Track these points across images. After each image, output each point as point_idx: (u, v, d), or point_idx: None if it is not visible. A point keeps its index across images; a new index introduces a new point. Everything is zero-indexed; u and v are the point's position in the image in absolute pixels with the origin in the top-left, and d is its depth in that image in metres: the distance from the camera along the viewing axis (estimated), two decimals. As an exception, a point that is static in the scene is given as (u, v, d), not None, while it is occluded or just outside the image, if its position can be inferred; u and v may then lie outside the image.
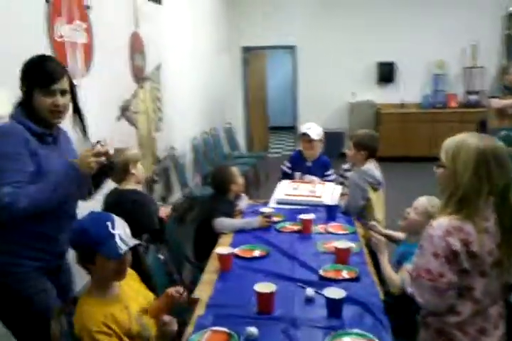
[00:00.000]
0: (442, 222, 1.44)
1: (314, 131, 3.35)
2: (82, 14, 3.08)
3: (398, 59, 7.76)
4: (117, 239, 1.49)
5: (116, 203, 2.40)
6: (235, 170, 2.96)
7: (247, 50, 8.18)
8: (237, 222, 2.73)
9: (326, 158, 3.53)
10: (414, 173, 6.21)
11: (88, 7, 3.17)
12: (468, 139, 1.47)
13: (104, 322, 1.46)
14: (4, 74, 2.28)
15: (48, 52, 2.69)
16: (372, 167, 2.88)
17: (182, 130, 5.08)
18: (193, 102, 5.56)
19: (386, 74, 7.86)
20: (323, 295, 1.79)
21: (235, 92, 8.21)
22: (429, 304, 1.50)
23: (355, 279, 2.03)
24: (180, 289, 1.63)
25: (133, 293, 1.62)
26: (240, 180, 2.94)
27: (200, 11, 6.04)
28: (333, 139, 6.72)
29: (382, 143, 7.16)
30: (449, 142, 1.52)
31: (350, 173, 3.03)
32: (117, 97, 3.62)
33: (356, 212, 2.85)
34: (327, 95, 8.04)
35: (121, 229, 1.52)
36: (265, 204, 3.19)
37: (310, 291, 1.89)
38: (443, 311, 1.50)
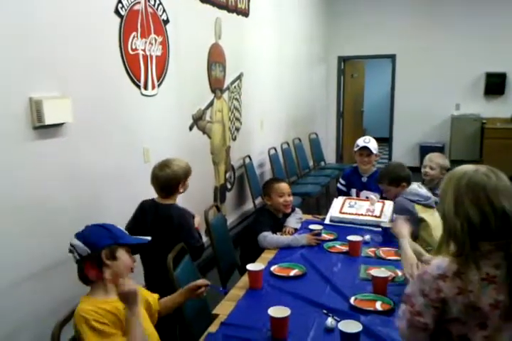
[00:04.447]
0: (441, 263, 1.25)
1: (373, 144, 3.27)
2: (159, 28, 3.23)
3: (510, 70, 7.06)
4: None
5: (169, 217, 2.33)
6: (274, 184, 2.81)
7: (344, 59, 8.02)
8: (284, 238, 2.63)
9: None
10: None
11: (166, 21, 3.33)
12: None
13: (103, 315, 1.48)
14: (70, 85, 2.49)
15: (120, 64, 2.88)
16: (414, 186, 2.69)
17: (261, 140, 5.10)
18: (275, 112, 5.56)
19: (496, 86, 7.21)
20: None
21: (329, 102, 8.07)
22: (401, 333, 1.33)
23: (389, 312, 1.85)
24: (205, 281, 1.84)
25: None
26: (275, 196, 2.77)
27: (291, 23, 6.03)
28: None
29: (485, 160, 6.80)
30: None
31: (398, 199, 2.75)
32: (191, 107, 3.74)
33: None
34: (427, 107, 7.60)
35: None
36: (324, 220, 3.07)
37: (331, 321, 1.76)
38: None
